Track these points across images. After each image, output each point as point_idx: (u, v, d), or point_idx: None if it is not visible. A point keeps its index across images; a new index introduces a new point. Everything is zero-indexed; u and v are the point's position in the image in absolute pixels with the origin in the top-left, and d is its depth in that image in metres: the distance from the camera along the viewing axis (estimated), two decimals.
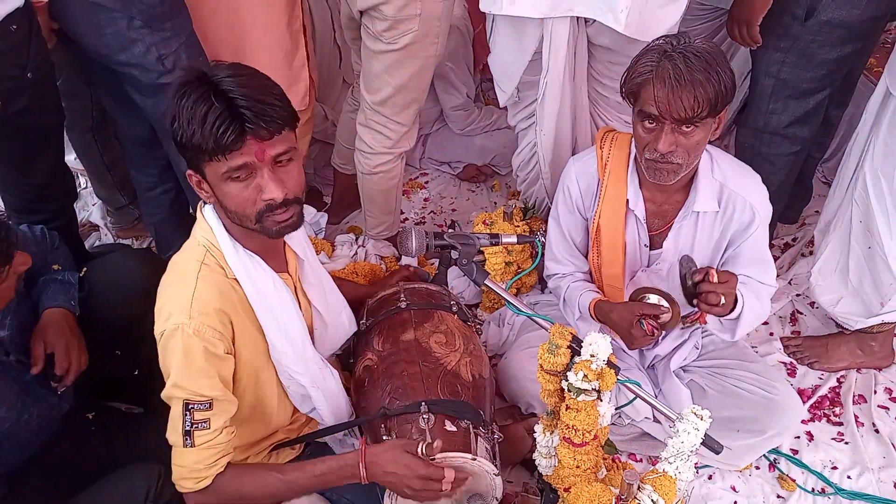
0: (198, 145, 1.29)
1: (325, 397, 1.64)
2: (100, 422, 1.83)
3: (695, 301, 1.65)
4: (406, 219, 2.93)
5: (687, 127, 1.56)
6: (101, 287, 1.80)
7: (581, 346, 1.40)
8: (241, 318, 1.47)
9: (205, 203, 1.49)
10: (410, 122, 2.32)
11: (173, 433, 1.43)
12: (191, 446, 1.41)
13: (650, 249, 1.86)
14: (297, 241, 1.59)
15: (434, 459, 1.45)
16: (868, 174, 1.95)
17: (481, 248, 1.93)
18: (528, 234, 2.38)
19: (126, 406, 2.01)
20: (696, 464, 1.45)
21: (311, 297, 1.66)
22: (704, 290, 1.61)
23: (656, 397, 1.77)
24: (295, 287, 1.61)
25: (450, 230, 2.64)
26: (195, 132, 1.27)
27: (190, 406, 1.39)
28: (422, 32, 2.10)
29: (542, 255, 2.06)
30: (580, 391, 1.38)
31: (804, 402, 2.09)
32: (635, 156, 1.77)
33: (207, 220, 1.47)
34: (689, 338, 2.00)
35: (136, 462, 1.61)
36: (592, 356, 1.37)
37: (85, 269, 1.82)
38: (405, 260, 2.56)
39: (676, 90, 1.51)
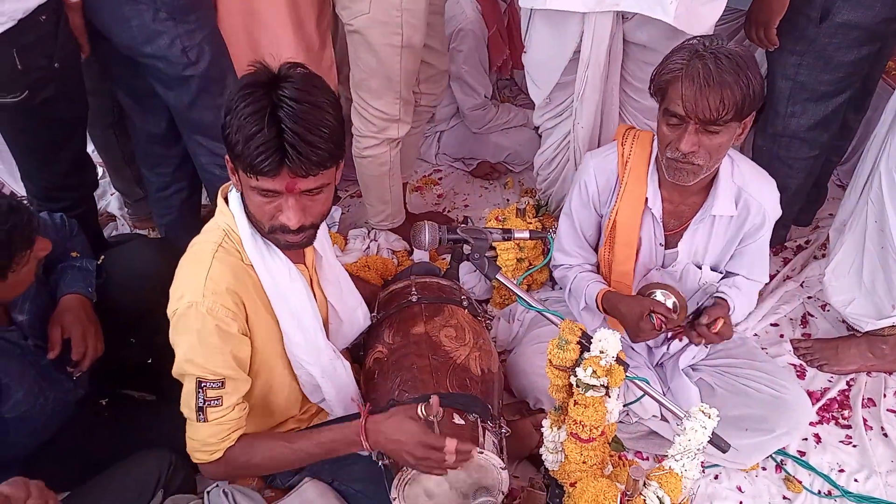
0: (237, 154, 1.31)
1: (335, 388, 1.66)
2: (113, 408, 1.85)
3: (686, 322, 1.79)
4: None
5: (711, 128, 1.57)
6: (119, 275, 1.82)
7: (590, 342, 1.41)
8: (254, 303, 1.49)
9: (230, 188, 1.51)
10: (394, 112, 2.29)
11: (186, 407, 1.46)
12: (203, 421, 1.44)
13: (665, 249, 1.87)
14: (317, 237, 1.61)
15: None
16: (883, 174, 1.94)
17: (493, 244, 1.94)
18: (540, 230, 2.39)
19: (139, 393, 2.04)
20: (702, 462, 1.46)
21: (328, 294, 1.68)
22: (699, 332, 1.78)
23: (664, 395, 1.78)
24: (311, 279, 1.63)
25: (462, 225, 2.66)
26: (239, 143, 1.29)
27: (203, 384, 1.42)
28: (377, 18, 2.07)
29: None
30: (588, 387, 1.39)
31: (813, 405, 2.08)
32: (656, 155, 1.78)
33: (231, 205, 1.49)
34: None
35: (147, 449, 1.64)
36: (602, 352, 1.38)
37: (103, 256, 1.85)
38: (417, 254, 2.57)
39: (704, 90, 1.51)
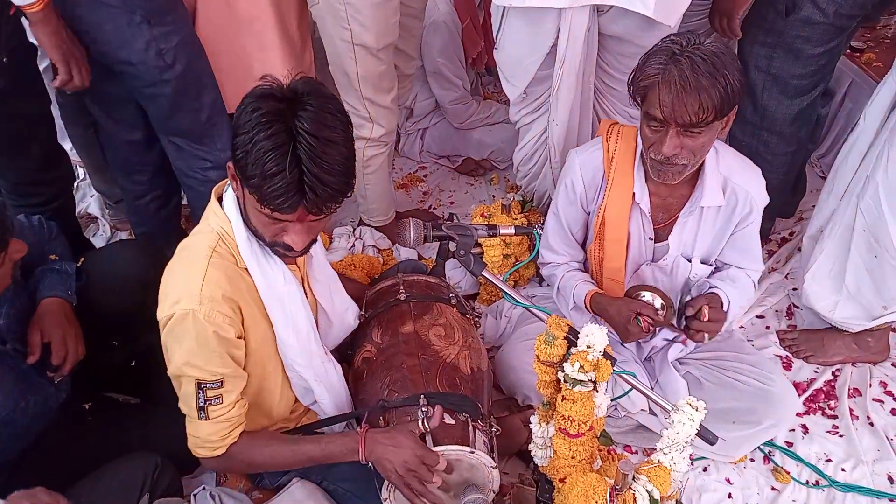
0: (251, 184, 1.29)
1: (328, 391, 1.66)
2: (97, 412, 1.83)
3: (683, 324, 1.76)
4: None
5: (692, 131, 1.57)
6: (100, 277, 1.80)
7: (577, 338, 1.40)
8: (249, 306, 1.49)
9: (225, 188, 1.50)
10: (362, 111, 2.27)
11: (186, 406, 1.47)
12: (205, 419, 1.45)
13: (655, 242, 1.87)
14: None
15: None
16: (881, 186, 1.90)
17: (479, 240, 1.94)
18: (526, 225, 2.38)
19: (123, 396, 2.02)
20: (691, 455, 1.46)
21: (317, 294, 1.67)
22: (694, 328, 1.76)
23: (653, 389, 1.78)
24: (303, 279, 1.63)
25: (447, 222, 2.65)
26: (256, 176, 1.27)
27: (202, 385, 1.43)
28: (326, 9, 2.07)
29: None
30: (576, 382, 1.39)
31: (799, 396, 2.10)
32: (642, 149, 1.78)
33: (225, 208, 1.47)
34: None
35: (132, 452, 1.62)
36: (589, 347, 1.38)
37: (83, 258, 1.82)
38: (403, 251, 2.56)
39: (681, 96, 1.51)
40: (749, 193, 1.77)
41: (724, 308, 1.81)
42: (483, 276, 1.78)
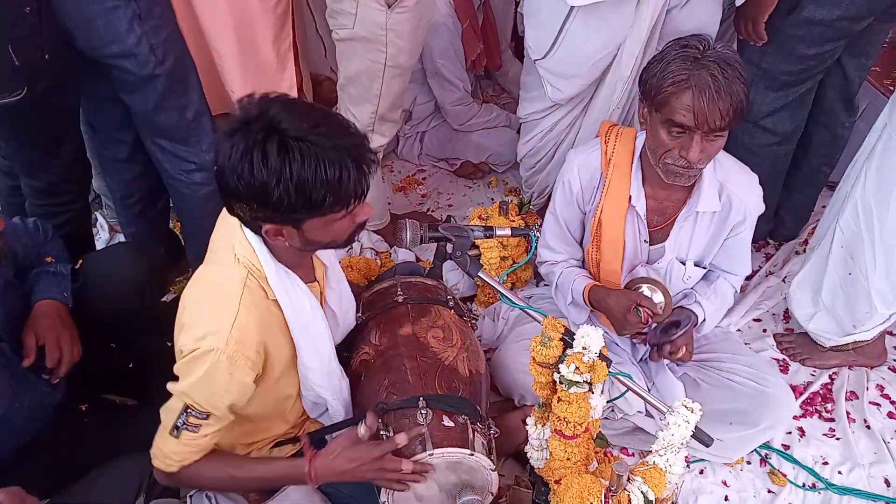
0: (312, 211, 1.30)
1: (343, 407, 1.67)
2: (93, 414, 1.83)
3: (655, 343, 1.86)
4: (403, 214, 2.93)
5: (715, 135, 1.58)
6: (97, 279, 1.80)
7: (573, 339, 1.41)
8: (276, 338, 1.49)
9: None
10: (367, 123, 2.27)
11: (165, 416, 1.46)
12: (175, 437, 1.44)
13: (649, 245, 1.88)
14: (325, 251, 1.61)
15: (433, 454, 1.47)
16: (860, 203, 1.92)
17: (476, 242, 1.94)
18: (523, 227, 2.39)
19: (120, 398, 2.01)
20: (687, 457, 1.46)
21: (330, 301, 1.67)
22: (665, 354, 1.86)
23: (649, 391, 1.78)
24: (321, 293, 1.63)
25: (445, 223, 2.65)
26: (321, 196, 1.27)
27: (189, 410, 1.42)
28: (360, 34, 2.05)
29: (537, 247, 2.07)
30: (572, 383, 1.39)
31: (796, 399, 2.09)
32: (640, 152, 1.78)
33: (249, 239, 1.44)
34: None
35: (129, 453, 1.62)
36: (584, 348, 1.38)
37: (81, 261, 1.82)
38: (401, 254, 2.57)
39: (715, 101, 1.52)
40: (744, 202, 1.78)
41: (700, 321, 1.90)
42: (479, 277, 1.79)
